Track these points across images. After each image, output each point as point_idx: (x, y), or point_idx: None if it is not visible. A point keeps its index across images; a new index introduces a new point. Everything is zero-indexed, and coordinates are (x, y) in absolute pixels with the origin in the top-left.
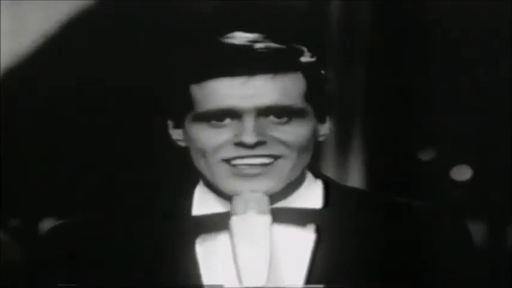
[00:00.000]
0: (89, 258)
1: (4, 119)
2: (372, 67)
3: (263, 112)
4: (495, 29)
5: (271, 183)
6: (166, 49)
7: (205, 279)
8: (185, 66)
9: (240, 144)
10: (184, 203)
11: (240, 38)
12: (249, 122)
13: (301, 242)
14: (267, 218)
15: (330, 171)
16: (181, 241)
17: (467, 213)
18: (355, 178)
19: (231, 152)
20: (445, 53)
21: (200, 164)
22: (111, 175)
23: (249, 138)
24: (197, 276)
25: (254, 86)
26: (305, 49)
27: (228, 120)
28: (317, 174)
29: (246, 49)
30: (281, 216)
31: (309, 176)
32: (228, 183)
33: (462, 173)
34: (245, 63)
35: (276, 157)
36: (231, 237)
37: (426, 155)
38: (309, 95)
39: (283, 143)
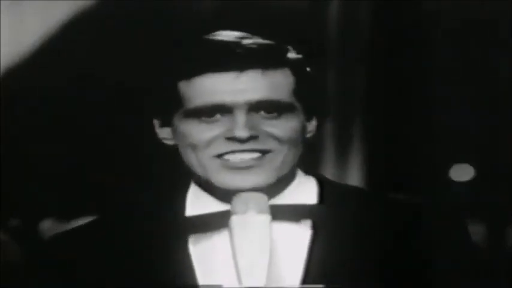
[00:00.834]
0: (85, 261)
1: (4, 119)
2: (372, 67)
3: (254, 107)
4: (495, 29)
5: (262, 176)
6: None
7: (204, 279)
8: (174, 63)
9: (232, 139)
10: (177, 203)
11: (228, 35)
12: (241, 116)
13: (298, 239)
14: (267, 218)
15: (329, 171)
16: (177, 242)
17: (467, 213)
18: (355, 178)
19: (222, 146)
20: (445, 53)
21: (191, 160)
22: (109, 175)
23: (242, 132)
24: (193, 277)
25: (244, 81)
26: (290, 47)
27: (218, 116)
28: (307, 171)
29: (235, 45)
30: (278, 213)
31: (299, 173)
32: (220, 177)
33: (462, 173)
34: (235, 59)
35: (266, 151)
36: (231, 236)
37: (426, 155)
38: (298, 91)
39: (274, 138)
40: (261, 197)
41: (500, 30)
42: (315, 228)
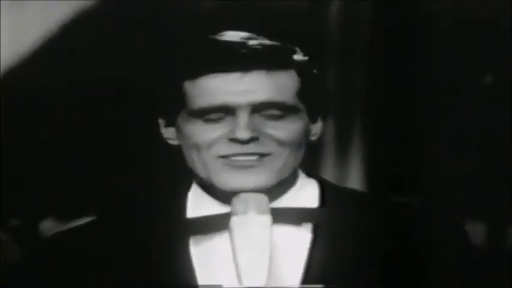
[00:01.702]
0: (85, 261)
1: (4, 119)
2: (372, 67)
3: (257, 108)
4: (495, 29)
5: (263, 177)
6: (165, 49)
7: (204, 280)
8: (179, 63)
9: (234, 140)
10: (179, 204)
11: (233, 35)
12: (243, 117)
13: (299, 241)
14: (267, 218)
15: (329, 171)
16: (178, 243)
17: (467, 213)
18: (354, 178)
19: (225, 148)
20: (445, 53)
21: (194, 160)
22: (109, 176)
23: (243, 134)
24: (193, 277)
25: (248, 82)
26: (297, 48)
27: (222, 116)
28: (310, 174)
29: (239, 45)
30: (279, 216)
31: (302, 176)
32: (221, 177)
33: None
34: (239, 59)
35: (267, 154)
36: (231, 237)
37: (426, 155)
38: (302, 93)
39: (276, 140)
40: (261, 198)
41: (500, 30)
42: (316, 231)
